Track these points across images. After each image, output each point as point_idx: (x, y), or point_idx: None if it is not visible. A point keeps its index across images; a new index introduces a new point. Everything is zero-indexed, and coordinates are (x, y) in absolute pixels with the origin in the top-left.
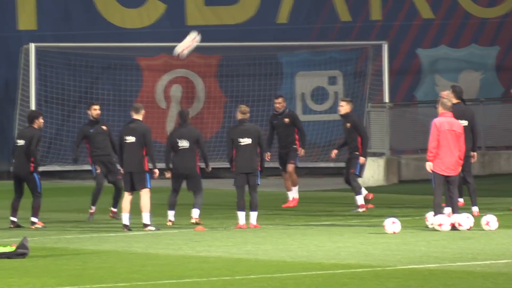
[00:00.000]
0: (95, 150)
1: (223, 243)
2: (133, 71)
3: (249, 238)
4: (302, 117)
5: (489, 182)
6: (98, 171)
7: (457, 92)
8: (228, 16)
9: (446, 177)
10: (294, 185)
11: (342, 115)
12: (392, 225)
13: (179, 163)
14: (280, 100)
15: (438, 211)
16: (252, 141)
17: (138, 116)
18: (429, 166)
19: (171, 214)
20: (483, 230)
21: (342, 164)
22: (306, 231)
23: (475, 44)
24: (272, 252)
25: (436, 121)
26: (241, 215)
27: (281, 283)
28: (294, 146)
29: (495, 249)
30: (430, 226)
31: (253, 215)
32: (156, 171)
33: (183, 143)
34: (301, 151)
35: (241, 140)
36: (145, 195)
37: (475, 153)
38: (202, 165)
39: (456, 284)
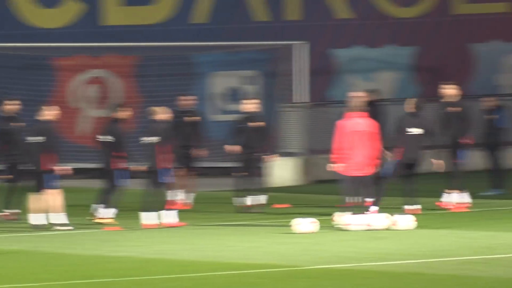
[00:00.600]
0: (8, 149)
1: (134, 243)
2: (49, 71)
3: (159, 238)
4: (216, 117)
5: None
6: (11, 176)
7: (417, 104)
8: (145, 16)
9: (357, 177)
10: (182, 189)
11: (252, 113)
12: (305, 224)
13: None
14: (190, 97)
15: (352, 210)
16: (157, 140)
17: (44, 117)
18: (333, 167)
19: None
20: (395, 230)
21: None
22: (217, 231)
23: (390, 44)
24: (183, 252)
25: (341, 122)
26: (145, 215)
27: (191, 283)
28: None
29: (407, 249)
30: (342, 226)
31: (163, 214)
32: (66, 168)
33: (103, 139)
34: (201, 152)
35: (145, 139)
36: (53, 195)
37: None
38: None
39: (367, 284)
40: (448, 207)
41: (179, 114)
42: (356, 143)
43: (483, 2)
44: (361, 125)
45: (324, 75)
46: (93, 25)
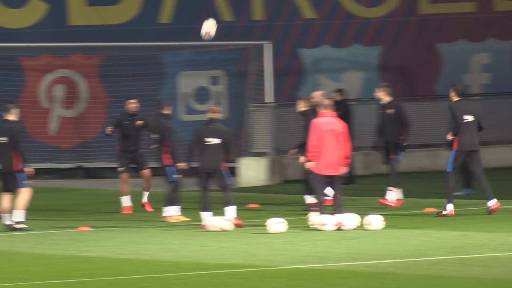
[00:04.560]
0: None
1: (107, 243)
2: (16, 71)
3: (133, 238)
4: (185, 117)
5: (373, 182)
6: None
7: (458, 90)
8: (111, 16)
9: (329, 176)
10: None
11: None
12: (276, 225)
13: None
14: (133, 101)
15: (322, 210)
16: (220, 141)
17: (11, 116)
18: (309, 165)
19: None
20: (368, 230)
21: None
22: (190, 231)
23: (357, 44)
24: (156, 252)
25: (316, 121)
26: (205, 215)
27: (165, 283)
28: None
29: (380, 249)
30: (313, 226)
31: (231, 209)
32: (30, 169)
33: (213, 140)
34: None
35: (207, 139)
36: (23, 194)
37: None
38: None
39: (340, 284)
40: (390, 204)
41: (128, 117)
42: (330, 142)
43: (449, 2)
44: (334, 124)
45: (291, 75)
46: (59, 25)
